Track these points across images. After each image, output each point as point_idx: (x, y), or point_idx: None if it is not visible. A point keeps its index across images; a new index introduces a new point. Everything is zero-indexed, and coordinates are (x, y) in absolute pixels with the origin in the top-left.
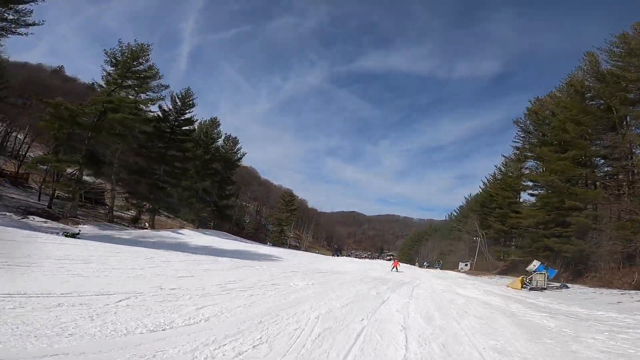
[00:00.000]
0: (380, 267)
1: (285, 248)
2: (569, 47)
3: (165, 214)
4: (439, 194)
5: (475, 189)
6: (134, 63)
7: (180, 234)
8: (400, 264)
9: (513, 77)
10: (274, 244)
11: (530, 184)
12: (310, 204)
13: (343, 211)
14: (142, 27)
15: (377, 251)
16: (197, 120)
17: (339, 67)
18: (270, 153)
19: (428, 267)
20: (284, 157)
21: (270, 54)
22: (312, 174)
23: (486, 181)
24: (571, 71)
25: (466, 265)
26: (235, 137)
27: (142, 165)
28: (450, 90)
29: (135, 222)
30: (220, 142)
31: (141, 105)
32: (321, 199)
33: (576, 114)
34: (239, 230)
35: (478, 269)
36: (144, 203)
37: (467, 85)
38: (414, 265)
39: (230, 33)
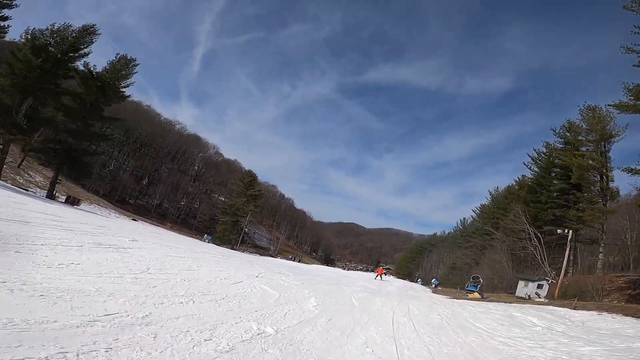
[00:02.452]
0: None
1: (224, 247)
2: (580, 64)
3: None
4: (440, 210)
5: (475, 205)
6: None
7: None
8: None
9: (523, 94)
10: (217, 241)
11: None
12: (300, 207)
13: (342, 222)
14: (159, 27)
15: (373, 264)
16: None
17: (348, 77)
18: (274, 161)
19: (437, 285)
20: (288, 166)
21: (281, 61)
22: (314, 185)
23: (536, 155)
24: None
25: (539, 286)
26: (131, 58)
27: None
28: (458, 106)
29: None
30: (89, 52)
31: None
32: (322, 209)
33: None
34: (187, 219)
35: (569, 296)
36: None
37: (476, 102)
38: (415, 282)
39: (244, 38)
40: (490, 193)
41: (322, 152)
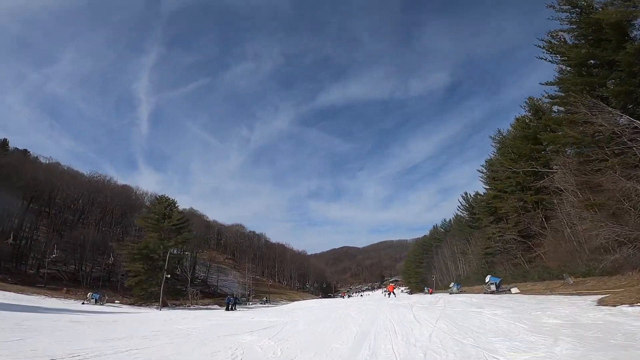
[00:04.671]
0: None
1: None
2: (496, 47)
3: None
4: (426, 211)
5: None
6: None
7: None
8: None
9: (461, 84)
10: (137, 299)
11: None
12: (278, 240)
13: (334, 248)
14: (94, 92)
15: (377, 280)
16: None
17: (303, 106)
18: (253, 207)
19: (499, 285)
20: (268, 209)
21: (232, 105)
22: (300, 220)
23: (548, 44)
24: None
25: None
26: None
27: None
28: (411, 110)
29: None
30: None
31: None
32: (313, 242)
33: None
34: (121, 279)
35: None
36: None
37: (425, 102)
38: (450, 291)
39: (188, 88)
40: (493, 138)
41: (298, 187)
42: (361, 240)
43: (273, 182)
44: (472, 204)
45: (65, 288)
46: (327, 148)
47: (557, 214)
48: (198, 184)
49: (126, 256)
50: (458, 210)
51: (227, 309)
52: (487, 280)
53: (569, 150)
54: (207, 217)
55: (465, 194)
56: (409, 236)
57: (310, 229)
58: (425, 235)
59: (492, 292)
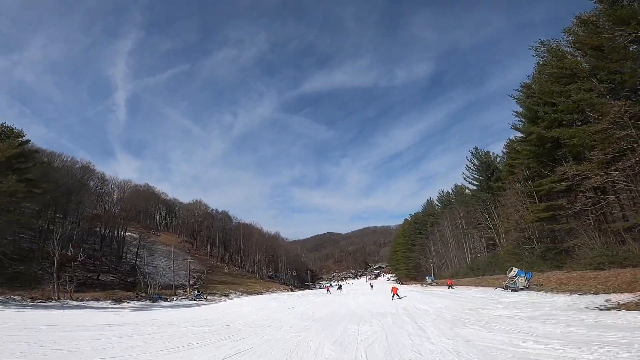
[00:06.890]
0: None
1: None
2: (479, 39)
3: None
4: (407, 199)
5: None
6: None
7: None
8: None
9: (444, 75)
10: None
11: None
12: (274, 232)
13: (317, 234)
14: (65, 78)
15: (361, 267)
16: None
17: (287, 93)
18: (236, 195)
19: None
20: (251, 197)
21: (214, 91)
22: (282, 208)
23: None
24: None
25: None
26: None
27: None
28: (394, 98)
29: None
30: None
31: None
32: (297, 229)
33: None
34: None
35: None
36: None
37: (408, 91)
38: (518, 281)
39: (167, 74)
40: (535, 49)
41: (281, 175)
42: (344, 227)
43: (256, 169)
44: (487, 162)
45: None
46: (311, 135)
47: None
48: (179, 172)
49: None
50: (467, 170)
51: None
52: None
53: None
54: (167, 196)
55: (475, 149)
56: (392, 222)
57: (294, 216)
58: (417, 213)
59: None
